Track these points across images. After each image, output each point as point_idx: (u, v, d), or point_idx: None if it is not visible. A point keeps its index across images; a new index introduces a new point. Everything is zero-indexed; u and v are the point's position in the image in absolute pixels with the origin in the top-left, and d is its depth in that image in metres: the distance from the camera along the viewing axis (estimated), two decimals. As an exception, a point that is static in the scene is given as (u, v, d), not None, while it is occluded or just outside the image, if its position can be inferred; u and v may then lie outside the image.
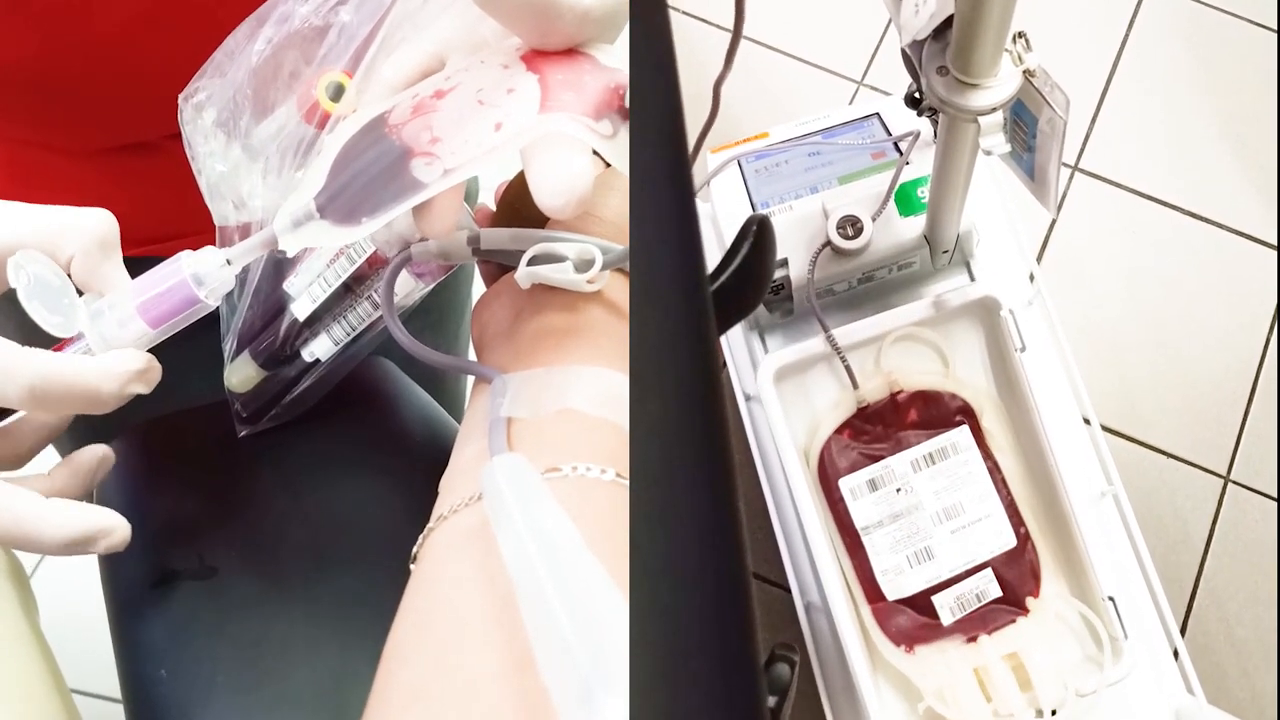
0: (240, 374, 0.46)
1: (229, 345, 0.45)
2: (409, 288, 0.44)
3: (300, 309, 0.42)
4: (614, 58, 0.35)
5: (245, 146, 0.38)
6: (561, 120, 0.33)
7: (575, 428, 0.35)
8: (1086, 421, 0.93)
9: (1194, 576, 1.25)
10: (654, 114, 0.27)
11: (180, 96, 0.38)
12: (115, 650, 0.51)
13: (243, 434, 0.48)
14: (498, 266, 0.45)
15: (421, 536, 0.36)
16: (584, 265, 0.38)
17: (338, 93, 0.37)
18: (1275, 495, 1.28)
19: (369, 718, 0.31)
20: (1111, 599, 0.78)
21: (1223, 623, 1.22)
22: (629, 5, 0.28)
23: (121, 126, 0.51)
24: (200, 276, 0.36)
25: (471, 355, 0.43)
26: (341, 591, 0.49)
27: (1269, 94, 1.48)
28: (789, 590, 0.92)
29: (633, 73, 0.28)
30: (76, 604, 0.75)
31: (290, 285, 0.42)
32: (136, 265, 0.39)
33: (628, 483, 0.34)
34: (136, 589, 0.51)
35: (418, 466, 0.55)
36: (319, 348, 0.44)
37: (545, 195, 0.33)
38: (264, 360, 0.46)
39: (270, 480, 0.54)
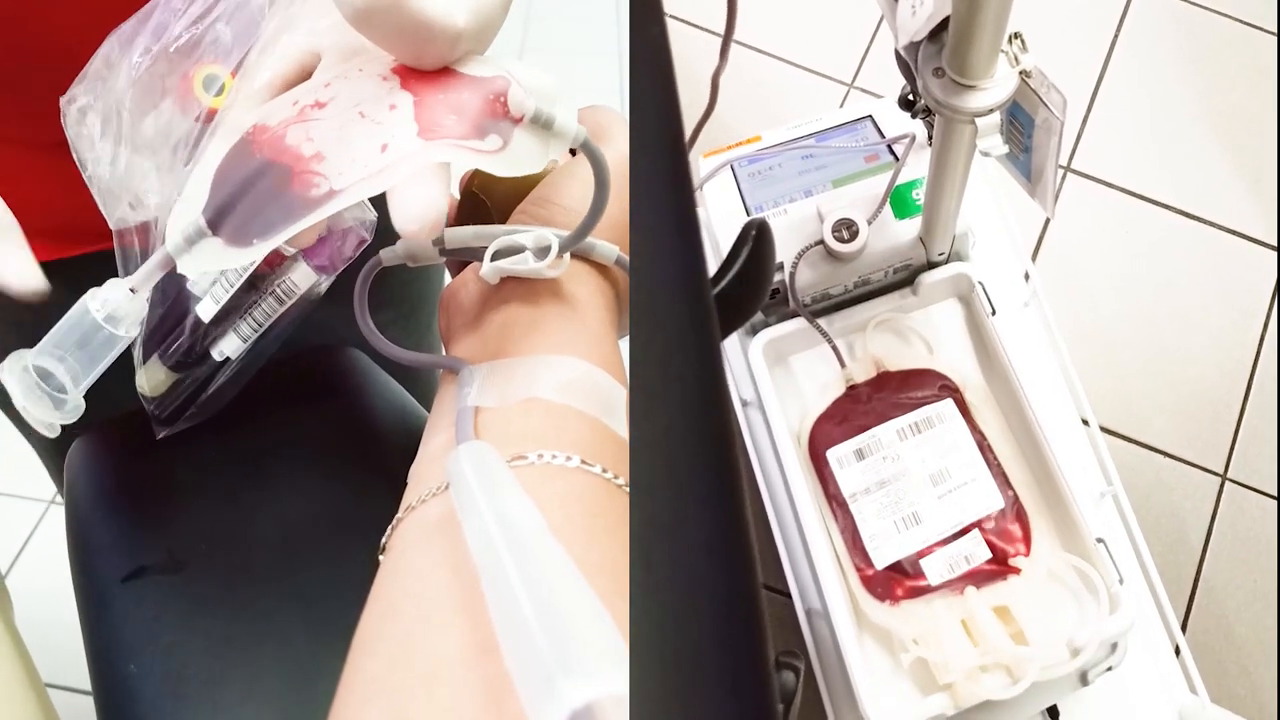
0: (152, 378, 0.46)
1: (138, 350, 0.45)
2: (310, 280, 0.44)
3: (205, 310, 0.42)
4: (488, 66, 0.35)
5: (134, 146, 0.38)
6: (445, 148, 0.34)
7: (540, 415, 0.36)
8: (1085, 422, 0.92)
9: (1193, 575, 1.24)
10: (653, 120, 0.27)
11: (62, 100, 0.38)
12: (85, 646, 0.52)
13: (160, 435, 0.48)
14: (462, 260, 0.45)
15: (390, 527, 0.36)
16: (542, 252, 0.39)
17: (217, 87, 0.37)
18: (1272, 493, 1.28)
19: (336, 707, 0.31)
20: (1102, 541, 0.76)
21: (1222, 620, 1.21)
22: (628, 13, 0.28)
23: None
24: (113, 316, 0.36)
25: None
26: (311, 583, 0.50)
27: (1258, 91, 1.48)
28: (789, 595, 0.91)
29: (632, 80, 0.27)
30: (51, 599, 0.75)
31: (194, 286, 0.42)
32: (101, 262, 0.39)
33: (593, 469, 0.34)
34: (106, 584, 0.51)
35: (388, 457, 0.56)
36: (228, 346, 0.45)
37: (401, 221, 0.34)
38: (174, 363, 0.46)
39: (239, 473, 0.54)
